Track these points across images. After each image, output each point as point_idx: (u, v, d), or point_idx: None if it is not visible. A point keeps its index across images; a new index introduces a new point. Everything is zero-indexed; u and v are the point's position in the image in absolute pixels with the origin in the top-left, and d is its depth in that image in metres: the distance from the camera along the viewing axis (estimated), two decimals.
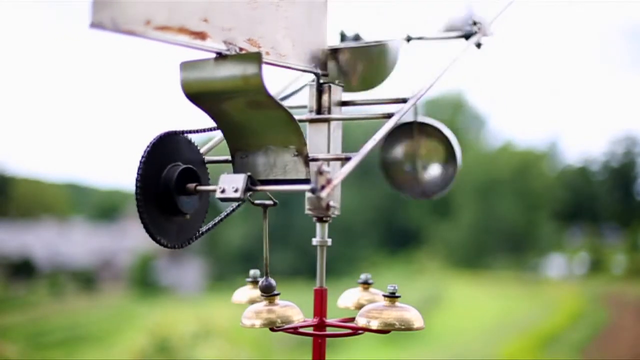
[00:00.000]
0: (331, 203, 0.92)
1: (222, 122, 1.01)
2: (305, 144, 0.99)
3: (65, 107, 44.81)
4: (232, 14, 0.97)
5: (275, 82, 1.22)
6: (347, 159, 1.00)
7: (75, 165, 47.16)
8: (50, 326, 14.73)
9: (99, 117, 44.92)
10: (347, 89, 1.19)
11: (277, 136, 0.99)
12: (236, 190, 0.96)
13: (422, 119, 1.29)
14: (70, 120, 45.81)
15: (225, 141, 1.08)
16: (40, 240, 21.40)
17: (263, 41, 1.02)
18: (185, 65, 0.97)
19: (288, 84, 1.22)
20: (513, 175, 23.10)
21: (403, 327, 1.00)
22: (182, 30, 0.90)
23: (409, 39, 1.29)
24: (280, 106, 0.96)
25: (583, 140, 40.32)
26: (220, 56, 0.95)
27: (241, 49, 0.97)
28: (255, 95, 0.94)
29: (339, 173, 0.96)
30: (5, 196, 23.28)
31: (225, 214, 1.11)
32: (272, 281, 1.04)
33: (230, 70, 0.94)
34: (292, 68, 1.09)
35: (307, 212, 1.14)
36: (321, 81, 1.15)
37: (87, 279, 20.69)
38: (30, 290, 18.87)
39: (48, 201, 26.06)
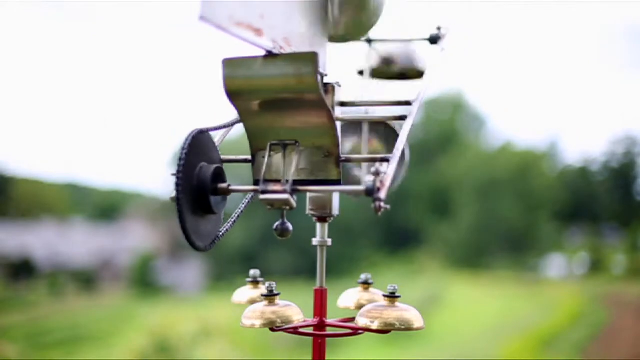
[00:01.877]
0: (383, 204, 0.91)
1: (252, 120, 1.00)
2: (338, 145, 0.99)
3: (65, 107, 44.81)
4: (274, 10, 0.96)
5: None
6: (385, 160, 0.99)
7: (75, 165, 47.15)
8: (50, 326, 14.74)
9: (99, 117, 44.92)
10: (334, 39, 1.17)
11: (310, 137, 0.99)
12: (284, 192, 0.93)
13: (372, 115, 1.27)
14: (70, 120, 45.81)
15: (225, 141, 1.08)
16: (40, 240, 21.40)
17: (291, 40, 1.01)
18: (229, 62, 0.96)
19: None
20: (513, 175, 23.10)
21: (403, 327, 1.00)
22: (249, 26, 0.90)
23: (369, 41, 1.29)
24: (327, 106, 0.96)
25: (583, 140, 40.36)
26: (271, 54, 0.95)
27: (281, 47, 0.97)
28: (307, 94, 0.94)
29: (386, 175, 0.94)
30: (5, 196, 23.28)
31: (240, 211, 1.10)
32: (289, 224, 1.01)
33: (282, 69, 0.93)
34: None
35: (308, 212, 1.14)
36: (324, 82, 1.15)
37: (87, 279, 20.70)
38: (30, 290, 18.88)
39: (48, 201, 26.05)
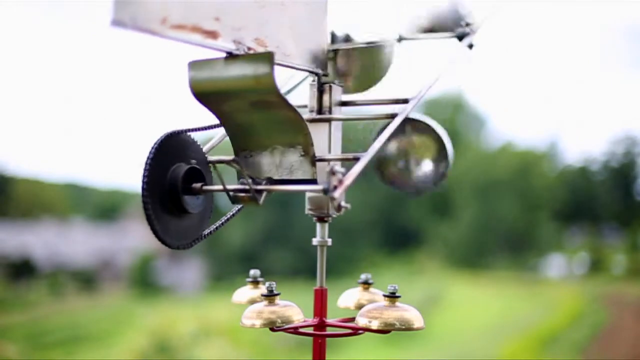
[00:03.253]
0: (342, 204, 0.91)
1: (228, 121, 1.01)
2: (312, 144, 0.99)
3: (65, 107, 44.80)
4: (242, 13, 0.97)
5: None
6: (356, 159, 1.00)
7: (75, 165, 47.16)
8: (50, 326, 14.73)
9: (99, 117, 44.92)
10: (344, 90, 1.19)
11: (284, 136, 0.99)
12: (248, 191, 0.96)
13: (413, 115, 1.28)
14: (70, 120, 45.80)
15: (225, 140, 1.08)
16: (40, 240, 21.39)
17: (269, 41, 1.02)
18: (194, 65, 0.96)
19: (284, 82, 1.22)
20: (513, 175, 23.10)
21: (403, 327, 1.00)
22: (196, 29, 0.90)
23: (400, 39, 1.29)
24: (290, 106, 0.96)
25: (583, 140, 40.35)
26: (231, 55, 0.95)
27: (249, 49, 0.97)
28: (266, 95, 0.94)
29: (349, 173, 0.95)
30: (5, 196, 23.27)
31: (231, 214, 1.10)
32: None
33: (241, 70, 0.94)
34: (296, 68, 1.09)
35: (307, 212, 1.14)
36: (322, 81, 1.15)
37: (87, 279, 20.69)
38: (30, 290, 18.87)
39: (48, 201, 26.04)
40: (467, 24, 1.24)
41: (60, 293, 18.82)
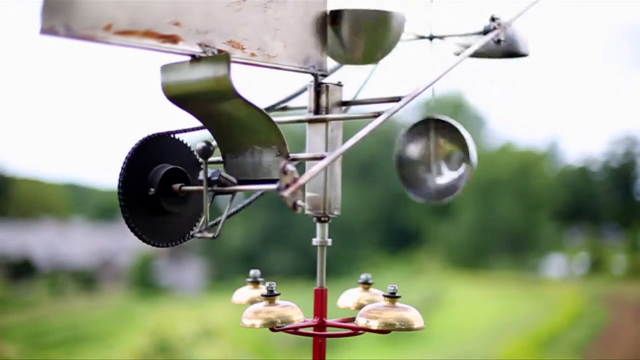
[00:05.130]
0: (299, 202, 0.91)
1: (207, 123, 1.02)
2: (285, 144, 1.00)
3: (65, 107, 44.80)
4: (209, 16, 0.97)
5: (286, 84, 1.21)
6: (321, 158, 1.00)
7: (75, 165, 47.17)
8: (50, 326, 14.73)
9: (99, 117, 44.91)
10: (350, 61, 1.18)
11: (260, 136, 1.00)
12: (215, 179, 0.99)
13: (439, 116, 1.27)
14: (70, 120, 45.80)
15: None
16: (40, 240, 21.38)
17: (248, 43, 1.02)
18: (165, 68, 0.97)
19: (291, 85, 1.23)
20: (513, 175, 23.09)
21: (403, 327, 1.01)
22: (149, 34, 0.90)
23: (431, 38, 1.28)
24: (255, 106, 0.97)
25: (583, 140, 40.33)
26: (195, 58, 0.96)
27: (220, 51, 0.97)
28: (227, 96, 0.94)
29: (307, 172, 0.95)
30: (5, 196, 23.26)
31: (229, 213, 1.10)
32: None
33: (203, 72, 0.94)
34: (284, 69, 1.09)
35: (307, 212, 1.14)
36: (320, 81, 1.14)
37: (87, 279, 20.68)
38: (30, 290, 18.86)
39: (48, 201, 26.03)
40: (493, 18, 1.23)
41: (60, 293, 18.81)
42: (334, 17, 1.13)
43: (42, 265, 20.86)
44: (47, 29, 0.80)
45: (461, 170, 1.27)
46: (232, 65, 0.92)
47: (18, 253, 20.35)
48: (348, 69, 1.24)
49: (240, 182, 1.02)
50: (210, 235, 1.01)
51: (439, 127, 1.27)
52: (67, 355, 11.91)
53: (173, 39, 0.93)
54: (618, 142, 27.88)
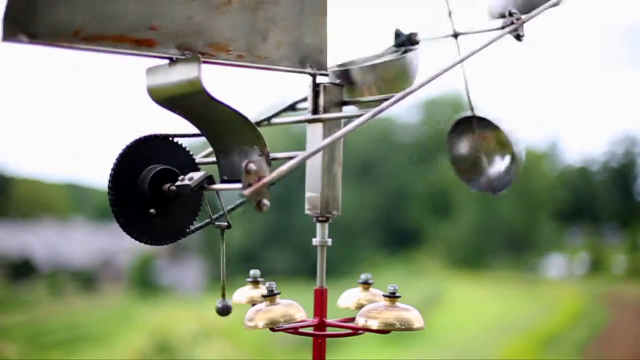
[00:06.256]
0: (264, 201, 0.92)
1: (196, 125, 1.03)
2: (265, 144, 1.01)
3: (65, 107, 44.79)
4: (191, 20, 0.97)
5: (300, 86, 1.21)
6: (291, 158, 1.01)
7: (75, 165, 47.16)
8: (50, 326, 14.72)
9: (99, 117, 44.90)
10: (365, 106, 1.17)
11: (239, 137, 1.01)
12: (190, 179, 1.00)
13: (480, 113, 1.28)
14: (70, 120, 45.80)
15: None
16: (40, 240, 21.38)
17: (234, 44, 1.02)
18: (150, 71, 0.99)
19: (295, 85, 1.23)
20: None
21: (403, 327, 1.01)
22: (121, 38, 0.90)
23: (456, 35, 1.28)
24: (231, 108, 0.97)
25: (583, 140, 40.33)
26: (172, 61, 0.97)
27: (202, 54, 0.98)
28: (202, 98, 0.95)
29: (275, 172, 0.96)
30: (5, 196, 23.26)
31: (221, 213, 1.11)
32: (229, 302, 1.05)
33: (178, 75, 0.96)
34: (276, 69, 1.09)
35: (307, 212, 1.14)
36: (317, 81, 1.14)
37: (87, 279, 20.68)
38: (30, 290, 18.85)
39: (48, 201, 26.01)
40: (511, 14, 1.22)
41: (60, 293, 18.80)
42: (345, 75, 1.15)
43: (42, 265, 20.86)
44: (9, 37, 0.81)
45: (508, 163, 1.28)
46: (219, 68, 0.93)
47: (18, 253, 20.34)
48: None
49: (222, 182, 1.04)
50: (225, 224, 1.05)
51: (480, 123, 1.27)
52: (67, 355, 11.91)
53: (148, 43, 0.94)
54: (618, 142, 27.90)
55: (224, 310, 1.04)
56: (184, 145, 1.07)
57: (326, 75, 1.15)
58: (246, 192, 0.91)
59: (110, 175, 1.00)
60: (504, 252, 22.22)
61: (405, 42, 1.26)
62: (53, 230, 22.90)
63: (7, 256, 19.89)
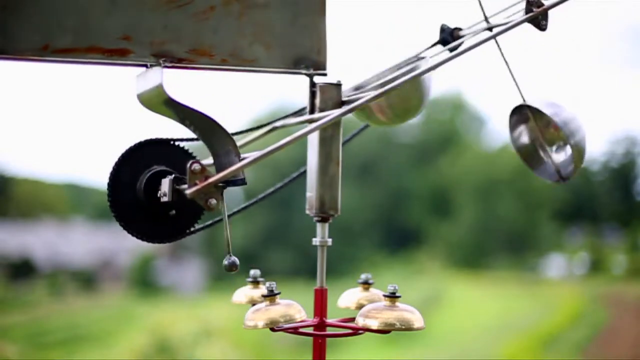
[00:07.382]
0: (211, 201, 0.93)
1: (192, 127, 1.04)
2: (235, 145, 1.02)
3: (65, 107, 44.81)
4: (168, 28, 0.99)
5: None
6: (243, 159, 1.02)
7: (75, 165, 47.17)
8: (50, 326, 14.72)
9: (100, 117, 44.92)
10: (380, 122, 1.17)
11: (216, 140, 1.02)
12: (164, 195, 1.01)
13: (530, 102, 1.26)
14: (70, 120, 45.81)
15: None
16: (40, 240, 21.38)
17: (217, 49, 1.03)
18: (138, 77, 1.02)
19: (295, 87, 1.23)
20: (513, 175, 23.07)
21: (403, 327, 1.00)
22: (92, 49, 0.92)
23: (491, 29, 1.27)
24: (198, 112, 0.99)
25: None
26: (146, 69, 1.00)
27: (180, 60, 0.99)
28: (169, 103, 0.98)
29: (221, 172, 0.96)
30: (5, 196, 23.26)
31: (229, 213, 1.12)
32: (236, 260, 1.06)
33: (149, 82, 0.99)
34: (264, 71, 1.09)
35: (307, 212, 1.14)
36: (314, 82, 1.14)
37: (87, 279, 20.68)
38: (30, 290, 18.86)
39: (48, 201, 26.02)
40: (531, 2, 1.18)
41: (60, 293, 18.81)
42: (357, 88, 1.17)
43: (42, 265, 20.86)
44: None
45: (569, 152, 1.26)
46: (204, 72, 0.95)
47: (18, 253, 20.35)
48: (348, 68, 1.24)
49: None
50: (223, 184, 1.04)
51: (535, 114, 1.26)
52: (67, 355, 11.91)
53: (121, 52, 0.96)
54: (618, 142, 27.90)
55: (231, 266, 1.04)
56: (185, 148, 1.08)
57: (325, 75, 1.15)
58: (189, 191, 0.92)
59: (109, 179, 1.03)
60: (504, 252, 22.22)
61: (448, 37, 1.26)
62: (53, 230, 22.90)
63: (7, 256, 19.89)
